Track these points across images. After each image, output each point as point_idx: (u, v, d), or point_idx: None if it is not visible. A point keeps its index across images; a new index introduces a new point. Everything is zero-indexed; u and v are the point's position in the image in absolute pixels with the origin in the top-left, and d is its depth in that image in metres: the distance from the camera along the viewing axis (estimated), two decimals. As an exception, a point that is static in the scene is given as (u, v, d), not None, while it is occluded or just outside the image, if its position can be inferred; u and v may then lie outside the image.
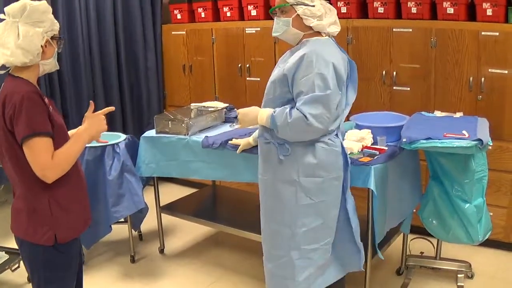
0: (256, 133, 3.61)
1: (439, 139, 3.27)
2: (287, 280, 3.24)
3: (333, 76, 2.95)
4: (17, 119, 2.39)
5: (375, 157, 3.46)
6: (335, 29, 3.16)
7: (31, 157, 2.42)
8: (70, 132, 2.79)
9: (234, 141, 3.89)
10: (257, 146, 3.41)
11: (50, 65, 2.67)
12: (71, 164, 2.56)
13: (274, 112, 3.05)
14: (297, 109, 2.94)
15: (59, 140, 2.53)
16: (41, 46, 2.53)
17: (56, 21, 2.64)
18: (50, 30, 2.59)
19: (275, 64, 3.30)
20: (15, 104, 2.39)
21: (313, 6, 3.03)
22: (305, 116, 2.90)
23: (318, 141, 3.07)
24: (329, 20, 3.10)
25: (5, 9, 2.52)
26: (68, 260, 2.70)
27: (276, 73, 3.16)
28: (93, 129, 2.69)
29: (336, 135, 3.16)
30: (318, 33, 3.11)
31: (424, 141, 3.29)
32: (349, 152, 3.50)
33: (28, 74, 2.56)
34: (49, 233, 2.56)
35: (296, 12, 3.04)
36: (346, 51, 4.66)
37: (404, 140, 3.33)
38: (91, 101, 2.79)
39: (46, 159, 2.42)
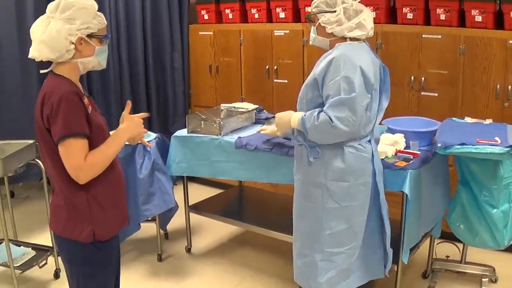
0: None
1: (473, 145, 3.32)
2: (310, 279, 3.34)
3: (360, 79, 2.99)
4: (54, 119, 2.38)
5: (410, 162, 3.52)
6: (359, 32, 3.14)
7: (65, 157, 2.41)
8: (111, 133, 2.75)
9: (261, 128, 4.02)
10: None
11: (92, 63, 2.61)
12: (106, 165, 2.54)
13: (305, 115, 3.11)
14: (324, 112, 3.00)
15: (97, 141, 2.52)
16: (73, 43, 2.48)
17: (99, 18, 2.57)
18: (85, 27, 2.51)
19: (303, 67, 3.42)
20: (52, 104, 2.38)
21: (334, 12, 3.09)
22: (330, 119, 2.95)
23: (347, 146, 3.12)
24: (349, 25, 3.10)
25: (49, 4, 2.51)
26: (107, 258, 2.70)
27: (309, 77, 3.21)
28: (133, 131, 2.69)
29: (369, 141, 3.20)
30: (344, 38, 3.16)
31: (458, 146, 3.35)
32: (383, 156, 3.57)
33: (69, 72, 2.54)
34: (87, 229, 2.55)
35: (319, 20, 3.16)
36: (375, 56, 4.78)
37: (439, 145, 3.39)
38: (128, 101, 2.79)
39: (79, 160, 2.40)
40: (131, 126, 2.70)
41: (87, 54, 2.56)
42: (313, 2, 3.19)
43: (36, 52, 2.49)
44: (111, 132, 2.70)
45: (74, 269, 2.66)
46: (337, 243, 3.22)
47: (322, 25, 3.15)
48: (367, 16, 3.16)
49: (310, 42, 3.33)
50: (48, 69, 2.58)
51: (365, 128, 3.14)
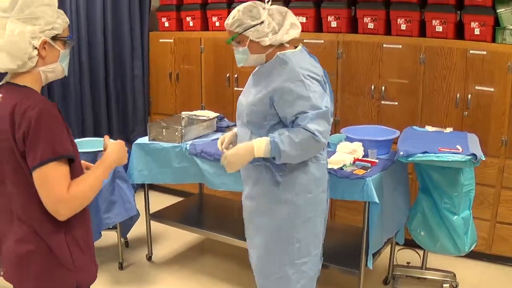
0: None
1: (435, 153, 3.39)
2: None
3: (322, 89, 2.92)
4: (35, 139, 1.96)
5: (368, 170, 3.56)
6: (295, 31, 3.02)
7: (43, 187, 1.99)
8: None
9: (220, 141, 3.40)
10: None
11: (55, 71, 2.20)
12: (91, 198, 2.12)
13: (272, 139, 2.89)
14: (303, 128, 2.83)
15: (76, 166, 2.16)
16: (36, 48, 2.07)
17: (62, 17, 2.19)
18: (50, 28, 2.10)
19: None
20: (30, 119, 1.95)
21: (262, 23, 2.91)
22: (314, 134, 2.82)
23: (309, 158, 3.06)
24: (284, 28, 2.96)
25: None
26: None
27: (258, 96, 3.00)
28: (118, 152, 2.34)
29: (323, 148, 3.13)
30: (282, 45, 3.01)
31: (420, 154, 3.41)
32: (341, 165, 3.62)
33: (32, 82, 2.13)
34: (70, 279, 2.16)
35: (248, 37, 2.94)
36: (336, 65, 4.86)
37: (401, 153, 3.44)
38: (106, 135, 2.47)
39: (62, 190, 1.99)
40: (116, 148, 2.33)
41: (50, 60, 2.16)
42: (231, 23, 2.95)
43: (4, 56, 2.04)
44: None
45: None
46: (306, 253, 3.17)
47: (256, 40, 2.94)
48: (291, 13, 3.04)
49: (241, 65, 3.09)
50: (2, 82, 2.18)
51: None
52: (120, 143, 2.37)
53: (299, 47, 3.07)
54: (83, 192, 2.06)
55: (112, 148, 2.33)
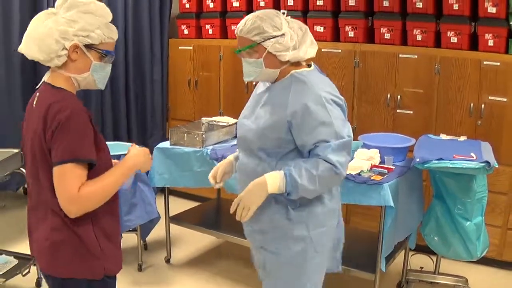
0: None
1: (449, 160, 3.49)
2: None
3: (343, 116, 2.65)
4: (59, 138, 2.08)
5: (385, 176, 3.67)
6: (313, 51, 2.69)
7: (58, 185, 2.10)
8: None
9: (212, 174, 3.08)
10: None
11: (87, 81, 2.28)
12: (104, 199, 2.20)
13: (287, 172, 2.57)
14: (322, 159, 2.53)
15: (104, 167, 2.25)
16: (66, 49, 2.17)
17: (107, 30, 2.25)
18: (85, 35, 2.17)
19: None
20: (60, 120, 2.07)
21: (283, 35, 2.57)
22: (334, 166, 2.52)
23: None
24: (304, 46, 2.65)
25: None
26: None
27: (272, 119, 2.63)
28: (138, 156, 2.37)
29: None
30: (297, 62, 2.68)
31: (436, 161, 3.51)
32: (359, 170, 3.72)
33: (67, 85, 2.23)
34: (98, 265, 2.27)
35: (266, 49, 2.58)
36: (353, 74, 4.96)
37: (417, 160, 3.54)
38: (133, 143, 2.56)
39: (73, 190, 2.08)
40: (137, 153, 2.38)
41: (82, 67, 2.23)
42: (247, 29, 2.60)
43: (24, 47, 2.19)
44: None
45: None
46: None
47: (275, 53, 2.58)
48: (309, 31, 2.72)
49: (249, 79, 2.70)
50: (41, 81, 2.30)
51: None
52: (143, 149, 2.43)
53: (312, 66, 2.75)
54: (94, 193, 2.14)
55: (133, 152, 2.39)
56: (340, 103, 2.62)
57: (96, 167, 2.18)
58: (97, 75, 2.28)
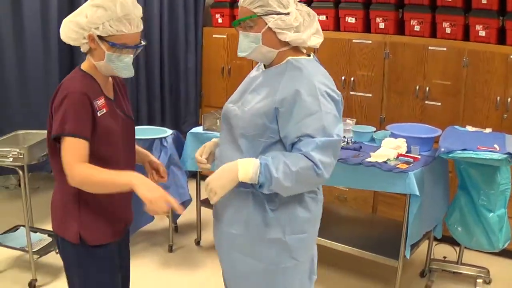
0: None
1: (473, 151, 3.57)
2: None
3: (337, 113, 2.39)
4: (55, 115, 2.30)
5: (411, 164, 3.76)
6: (317, 40, 2.47)
7: (62, 153, 2.28)
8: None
9: (199, 151, 2.75)
10: None
11: (106, 68, 2.39)
12: (94, 188, 2.30)
13: (263, 161, 2.32)
14: (304, 155, 2.28)
15: (104, 146, 2.39)
16: (85, 38, 2.33)
17: (118, 24, 2.30)
18: (94, 27, 2.29)
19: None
20: (59, 99, 2.29)
21: (288, 14, 2.34)
22: (316, 165, 2.26)
23: (308, 191, 2.53)
24: (309, 31, 2.43)
25: None
26: (100, 263, 2.52)
27: (260, 104, 2.41)
28: (148, 193, 2.21)
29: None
30: (296, 49, 2.47)
31: (460, 151, 3.59)
32: (385, 159, 3.81)
33: (92, 70, 2.41)
34: (74, 230, 2.43)
35: (267, 24, 2.36)
36: (383, 65, 5.03)
37: (442, 149, 3.63)
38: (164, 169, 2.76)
39: (70, 160, 2.25)
40: (150, 185, 2.27)
41: (100, 55, 2.35)
42: (252, 1, 2.36)
43: (61, 31, 2.38)
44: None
45: (68, 267, 2.56)
46: None
47: (276, 30, 2.35)
48: (317, 20, 2.49)
49: (243, 55, 2.47)
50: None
51: None
52: (161, 190, 2.27)
53: (312, 56, 2.52)
54: (89, 177, 2.26)
55: (150, 185, 2.26)
56: (336, 99, 2.38)
57: (102, 158, 2.37)
58: (113, 65, 2.37)
